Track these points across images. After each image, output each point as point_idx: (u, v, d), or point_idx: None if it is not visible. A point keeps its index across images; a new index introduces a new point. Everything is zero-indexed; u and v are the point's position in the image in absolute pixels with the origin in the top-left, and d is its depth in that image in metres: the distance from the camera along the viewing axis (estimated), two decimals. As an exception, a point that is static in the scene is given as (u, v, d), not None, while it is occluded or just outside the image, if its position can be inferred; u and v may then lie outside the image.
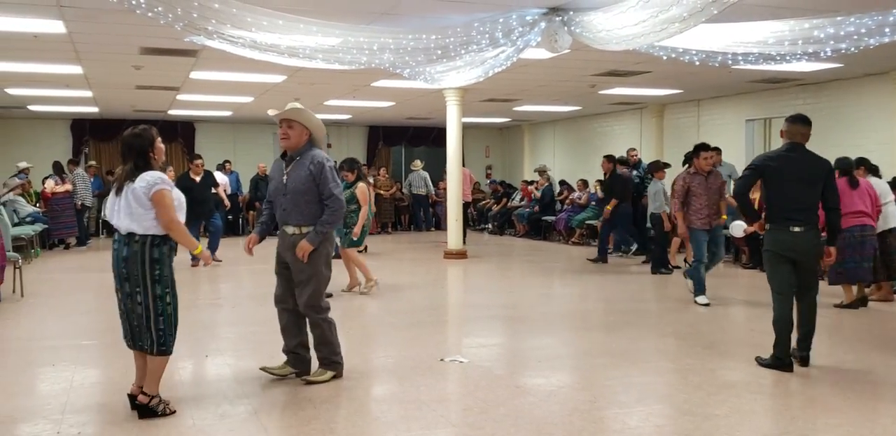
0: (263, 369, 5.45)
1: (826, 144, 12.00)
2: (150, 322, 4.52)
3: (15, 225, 12.72)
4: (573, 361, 6.21)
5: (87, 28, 8.61)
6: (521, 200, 18.80)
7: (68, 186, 14.95)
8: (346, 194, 9.23)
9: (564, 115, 19.33)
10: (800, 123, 5.88)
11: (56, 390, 5.16)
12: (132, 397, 4.62)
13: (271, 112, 5.40)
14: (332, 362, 5.42)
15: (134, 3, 6.36)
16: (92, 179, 16.94)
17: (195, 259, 11.83)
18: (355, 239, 9.23)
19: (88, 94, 14.32)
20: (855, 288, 8.44)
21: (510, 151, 23.52)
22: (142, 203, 4.42)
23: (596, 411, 4.71)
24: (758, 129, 14.88)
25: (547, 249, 15.16)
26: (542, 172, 18.33)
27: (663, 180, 11.65)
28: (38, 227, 13.39)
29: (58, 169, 15.76)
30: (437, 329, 7.57)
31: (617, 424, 4.50)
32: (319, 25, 7.26)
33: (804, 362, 5.76)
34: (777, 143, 14.70)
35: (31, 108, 16.66)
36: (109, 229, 17.92)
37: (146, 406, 4.54)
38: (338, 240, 9.01)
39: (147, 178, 4.45)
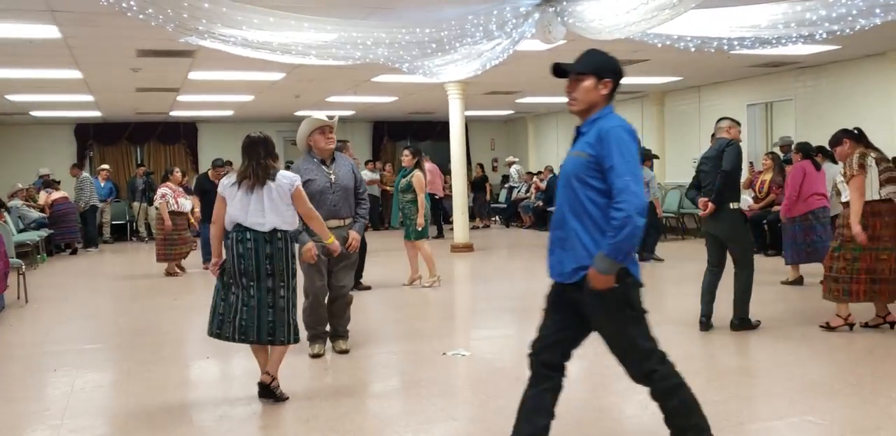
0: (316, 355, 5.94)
1: (827, 126, 11.91)
2: (288, 314, 4.76)
3: (21, 231, 12.79)
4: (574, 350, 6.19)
5: (81, 32, 8.62)
6: (527, 191, 18.79)
7: (61, 194, 14.91)
8: (402, 183, 9.25)
9: (567, 106, 19.23)
10: (721, 121, 6.79)
11: (56, 395, 5.18)
12: (264, 386, 4.83)
13: (333, 116, 6.04)
14: (347, 331, 6.21)
15: (125, 5, 6.36)
16: (103, 184, 16.93)
17: (207, 261, 11.79)
18: (420, 230, 9.19)
19: (90, 98, 14.35)
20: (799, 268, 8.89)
21: (515, 144, 23.46)
22: (285, 199, 4.78)
23: (594, 401, 4.72)
24: (759, 113, 14.81)
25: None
26: (510, 163, 19.36)
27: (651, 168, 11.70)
28: (44, 232, 13.44)
29: (46, 183, 15.78)
30: (442, 323, 7.58)
31: (615, 412, 4.50)
32: (311, 21, 7.25)
33: (733, 326, 6.44)
34: (779, 127, 14.68)
35: (34, 114, 16.71)
36: (114, 233, 17.87)
37: (268, 386, 4.81)
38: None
39: (289, 175, 4.89)
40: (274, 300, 4.71)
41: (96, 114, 17.29)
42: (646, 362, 3.29)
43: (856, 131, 6.43)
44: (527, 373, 5.51)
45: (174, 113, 17.74)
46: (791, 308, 7.48)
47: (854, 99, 12.36)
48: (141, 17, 6.54)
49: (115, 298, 9.53)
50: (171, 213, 10.94)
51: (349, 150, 9.32)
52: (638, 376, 3.33)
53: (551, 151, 20.94)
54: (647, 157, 11.70)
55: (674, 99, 16.53)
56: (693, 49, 8.01)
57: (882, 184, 6.04)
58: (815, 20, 6.82)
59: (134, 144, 20.10)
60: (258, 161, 4.79)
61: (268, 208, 4.73)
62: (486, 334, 6.92)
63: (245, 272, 4.70)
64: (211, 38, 7.18)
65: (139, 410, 4.76)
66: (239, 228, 4.76)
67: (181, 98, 14.91)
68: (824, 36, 7.23)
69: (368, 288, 9.19)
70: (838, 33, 7.10)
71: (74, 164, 16.93)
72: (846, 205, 6.15)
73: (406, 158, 9.34)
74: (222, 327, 4.81)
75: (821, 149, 8.82)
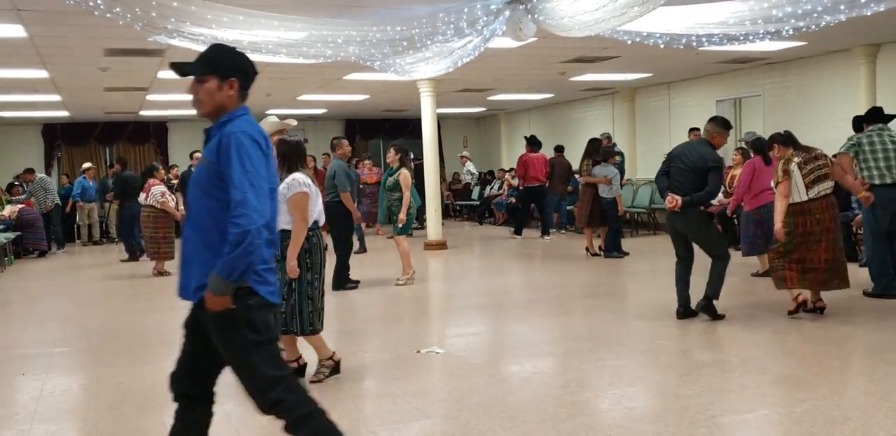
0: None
1: (794, 121, 12.11)
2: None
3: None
4: (548, 346, 6.23)
5: (48, 31, 8.52)
6: (500, 188, 18.83)
7: (14, 209, 14.49)
8: (389, 182, 9.26)
9: (538, 103, 19.36)
10: (709, 123, 6.88)
11: (25, 400, 5.12)
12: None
13: (289, 119, 6.03)
14: None
15: (92, 3, 6.30)
16: (91, 183, 16.59)
17: None
18: (400, 226, 9.23)
19: (57, 98, 14.18)
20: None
21: (487, 141, 23.52)
22: None
23: (568, 396, 4.74)
24: (728, 109, 14.92)
25: (525, 236, 15.17)
26: (464, 159, 20.19)
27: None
28: (11, 234, 13.26)
29: (11, 191, 15.48)
30: (416, 321, 7.59)
31: (588, 408, 4.52)
32: (281, 20, 7.22)
33: (699, 308, 6.69)
34: (747, 122, 14.84)
35: (0, 114, 16.50)
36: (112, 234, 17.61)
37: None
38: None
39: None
40: (312, 292, 5.13)
41: (64, 114, 17.09)
42: (270, 392, 2.99)
43: (783, 134, 6.86)
44: (502, 369, 5.56)
45: (144, 112, 17.57)
46: (761, 301, 7.56)
47: (821, 94, 12.51)
48: (108, 15, 6.47)
49: (85, 301, 9.43)
50: (164, 211, 10.78)
51: (343, 148, 9.24)
52: (265, 406, 3.03)
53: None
54: (609, 154, 11.78)
55: (644, 95, 16.63)
56: (662, 46, 8.07)
57: (809, 185, 6.47)
58: (781, 17, 6.89)
59: (103, 144, 19.87)
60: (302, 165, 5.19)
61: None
62: (459, 332, 6.93)
63: (312, 266, 5.08)
64: (180, 36, 7.13)
65: (109, 413, 4.72)
66: (314, 225, 5.10)
67: (151, 97, 14.77)
68: (791, 32, 7.31)
69: (357, 282, 9.18)
70: (804, 30, 7.18)
71: (27, 169, 16.29)
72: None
73: (390, 155, 9.34)
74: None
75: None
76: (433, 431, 4.26)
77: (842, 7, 6.18)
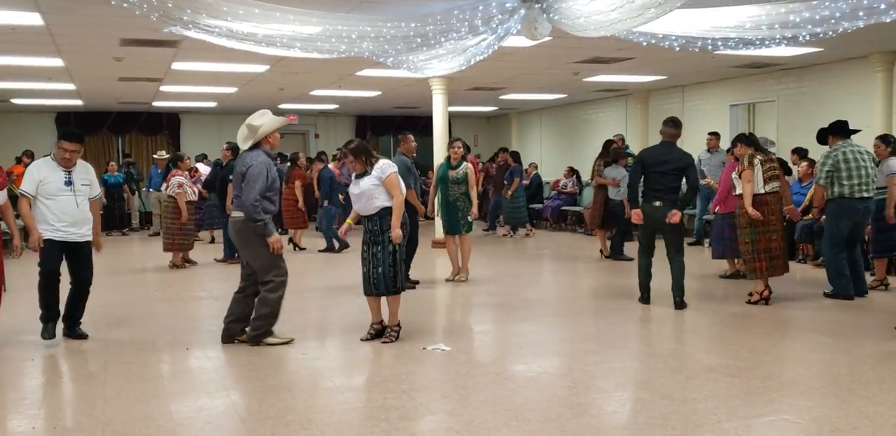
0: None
1: (809, 128, 12.02)
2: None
3: (-1, 219, 12.61)
4: (555, 347, 6.23)
5: (64, 20, 8.54)
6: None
7: None
8: (456, 175, 9.20)
9: (550, 103, 19.32)
10: (667, 126, 7.80)
11: (34, 385, 5.14)
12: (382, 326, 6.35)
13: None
14: None
15: (109, -7, 6.32)
16: (161, 171, 16.09)
17: (231, 256, 11.25)
18: (472, 220, 9.34)
19: (71, 86, 14.23)
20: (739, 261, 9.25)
21: (498, 140, 23.46)
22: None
23: (574, 397, 4.73)
24: (742, 113, 14.89)
25: (535, 236, 15.15)
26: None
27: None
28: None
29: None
30: (422, 318, 7.57)
31: (594, 409, 4.51)
32: (296, 14, 7.21)
33: (679, 306, 7.34)
34: (761, 127, 14.79)
35: (15, 101, 16.56)
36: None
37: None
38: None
39: (380, 166, 6.19)
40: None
41: (78, 102, 17.14)
42: None
43: (749, 135, 7.96)
44: (508, 368, 5.55)
45: (157, 103, 17.62)
46: (761, 307, 7.53)
47: (836, 101, 12.46)
48: (125, 5, 6.48)
49: (95, 289, 9.39)
50: (185, 202, 10.78)
51: (408, 143, 9.08)
52: None
53: (535, 148, 20.98)
54: (619, 156, 11.76)
55: (658, 98, 16.58)
56: (677, 48, 8.04)
57: (766, 181, 7.44)
58: (798, 22, 6.86)
59: (115, 133, 19.94)
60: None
61: (364, 194, 6.04)
62: (466, 330, 6.93)
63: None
64: (195, 28, 7.13)
65: (117, 400, 4.73)
66: None
67: (164, 88, 14.81)
68: (807, 38, 7.28)
69: (416, 283, 9.09)
70: (821, 36, 7.15)
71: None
72: (740, 197, 7.53)
73: (460, 150, 9.46)
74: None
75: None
76: (437, 427, 4.26)
77: (860, 13, 6.15)
